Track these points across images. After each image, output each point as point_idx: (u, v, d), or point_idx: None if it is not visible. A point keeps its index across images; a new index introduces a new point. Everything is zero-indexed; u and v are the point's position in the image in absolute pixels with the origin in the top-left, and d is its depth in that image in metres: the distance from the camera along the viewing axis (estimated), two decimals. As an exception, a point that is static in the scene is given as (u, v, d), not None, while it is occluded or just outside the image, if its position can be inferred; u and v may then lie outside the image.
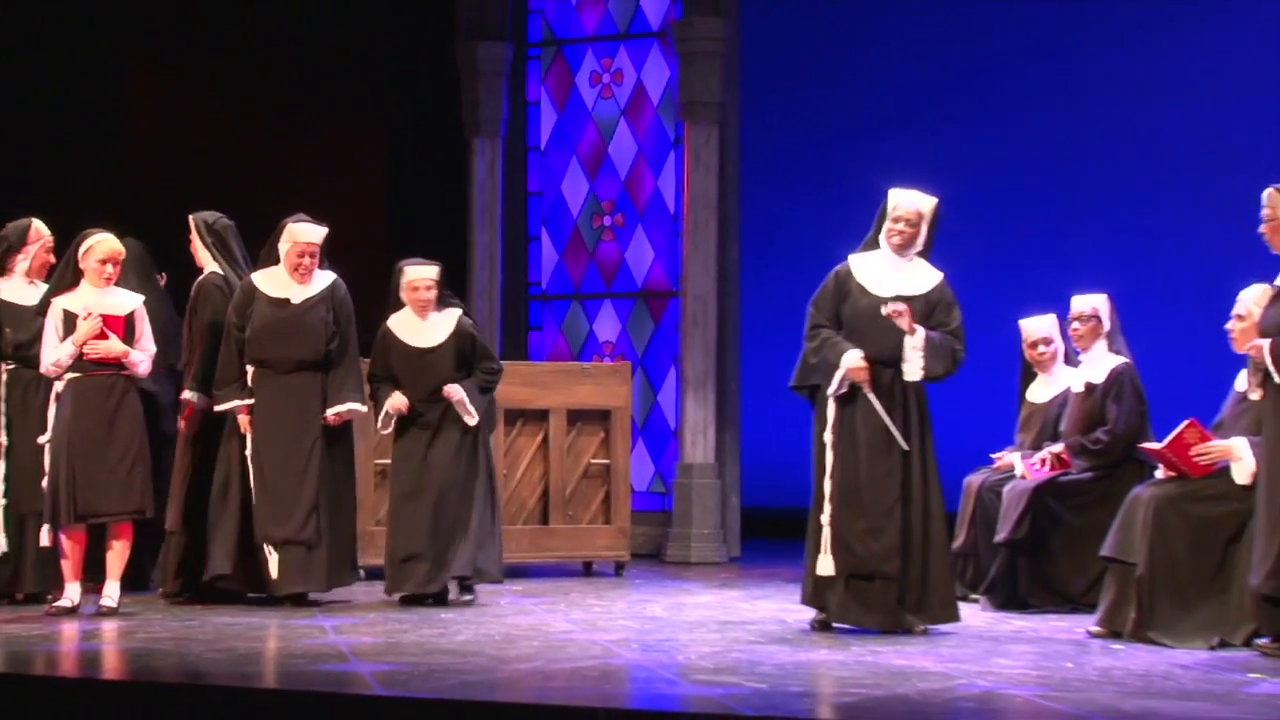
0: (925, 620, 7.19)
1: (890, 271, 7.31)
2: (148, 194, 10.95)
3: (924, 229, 7.35)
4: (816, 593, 7.30)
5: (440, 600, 8.15)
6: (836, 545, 7.19)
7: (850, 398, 7.21)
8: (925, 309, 7.23)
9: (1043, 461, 8.32)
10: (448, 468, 8.20)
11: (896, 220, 7.29)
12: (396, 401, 8.11)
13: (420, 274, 8.20)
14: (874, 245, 7.39)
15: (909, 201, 7.33)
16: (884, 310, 7.11)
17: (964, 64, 11.96)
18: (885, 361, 7.18)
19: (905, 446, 7.18)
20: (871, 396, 7.16)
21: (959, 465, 8.93)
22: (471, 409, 8.13)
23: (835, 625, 7.24)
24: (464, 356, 8.23)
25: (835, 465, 7.22)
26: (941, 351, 7.17)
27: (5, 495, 8.04)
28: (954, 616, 7.26)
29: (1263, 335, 6.56)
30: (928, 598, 7.22)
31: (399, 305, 8.28)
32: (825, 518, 7.23)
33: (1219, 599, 6.83)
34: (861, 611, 7.21)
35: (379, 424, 8.26)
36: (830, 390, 7.20)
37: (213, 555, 8.03)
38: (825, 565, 7.21)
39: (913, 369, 7.15)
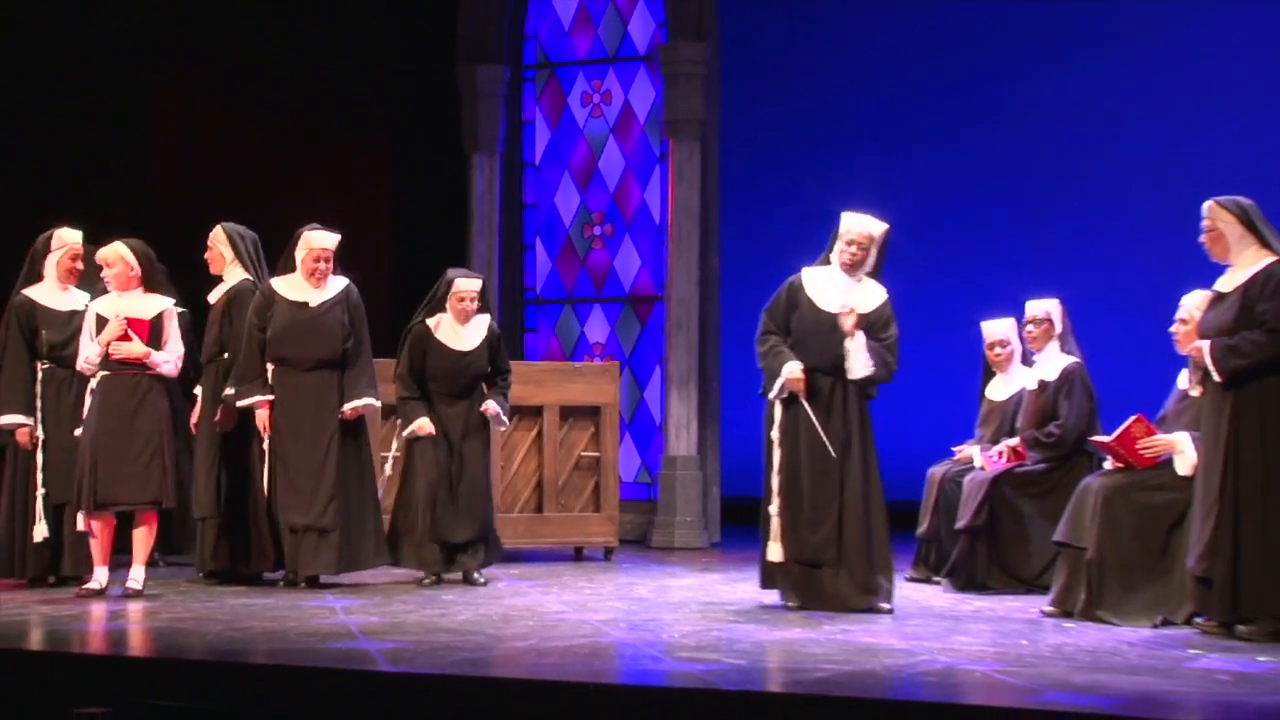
0: (869, 601, 7.19)
1: (839, 288, 7.35)
2: (172, 205, 10.94)
3: (873, 251, 7.38)
4: (769, 577, 7.35)
5: (470, 580, 8.21)
6: (784, 534, 7.23)
7: (793, 400, 7.26)
8: (866, 325, 7.28)
9: (1000, 454, 8.35)
10: (478, 461, 8.35)
11: (849, 243, 7.34)
12: (427, 427, 8.20)
13: (469, 285, 8.35)
14: (828, 261, 7.43)
15: (860, 225, 7.36)
16: (838, 307, 7.17)
17: (929, 85, 11.97)
18: (825, 371, 7.24)
19: (834, 454, 7.20)
20: (807, 405, 7.22)
21: (923, 457, 8.96)
22: (505, 420, 8.49)
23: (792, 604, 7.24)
24: (492, 359, 8.41)
25: (781, 461, 7.27)
26: (880, 357, 7.24)
27: (44, 485, 8.02)
28: (890, 599, 7.23)
29: (1202, 337, 6.57)
30: (872, 581, 7.22)
31: (436, 309, 8.33)
32: (773, 509, 7.28)
33: (1162, 581, 6.85)
34: (809, 594, 7.25)
35: (404, 433, 8.31)
36: (771, 395, 7.27)
37: (257, 550, 8.07)
38: (774, 552, 7.27)
39: (856, 369, 7.20)
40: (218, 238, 8.44)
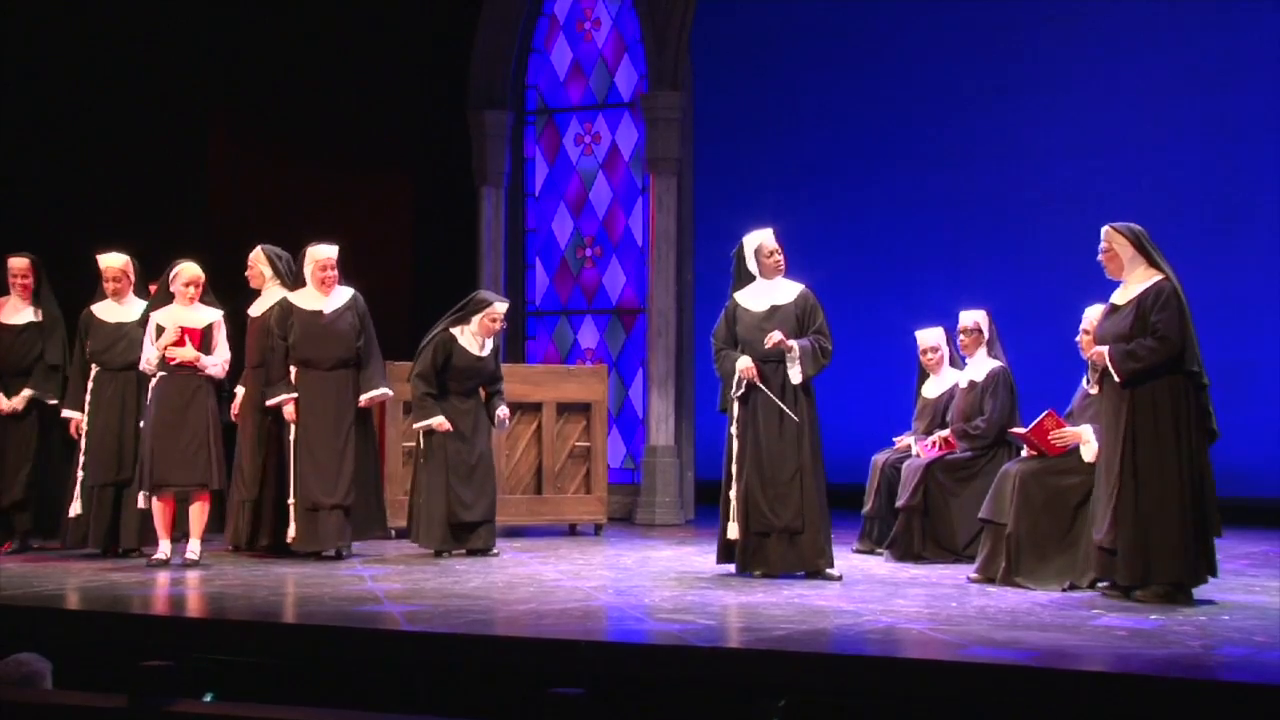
0: (818, 564, 7.19)
1: (764, 293, 7.41)
2: (224, 231, 10.92)
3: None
4: (727, 551, 7.35)
5: (487, 552, 8.22)
6: (744, 512, 7.23)
7: (747, 398, 7.27)
8: (799, 313, 7.33)
9: (934, 444, 8.36)
10: (489, 451, 8.36)
11: (771, 255, 7.39)
12: (445, 424, 8.19)
13: (504, 308, 8.43)
14: (747, 280, 7.45)
15: (772, 240, 7.44)
16: (766, 344, 7.22)
17: (871, 127, 11.99)
18: (770, 359, 7.27)
19: (796, 418, 7.22)
20: (763, 388, 7.24)
21: (867, 445, 8.97)
22: (507, 424, 8.59)
23: (751, 573, 7.24)
24: (496, 363, 8.44)
25: (740, 451, 7.28)
26: (815, 355, 7.27)
27: (83, 469, 8.01)
28: (831, 562, 7.25)
29: (1100, 344, 6.58)
30: (821, 544, 7.23)
31: (462, 321, 8.31)
32: (733, 494, 7.28)
33: (1070, 551, 6.86)
34: (762, 562, 7.25)
35: (416, 425, 8.29)
36: (733, 393, 7.28)
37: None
38: (733, 530, 7.27)
39: (795, 374, 7.25)
40: (258, 258, 8.43)
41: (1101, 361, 6.48)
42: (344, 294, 8.21)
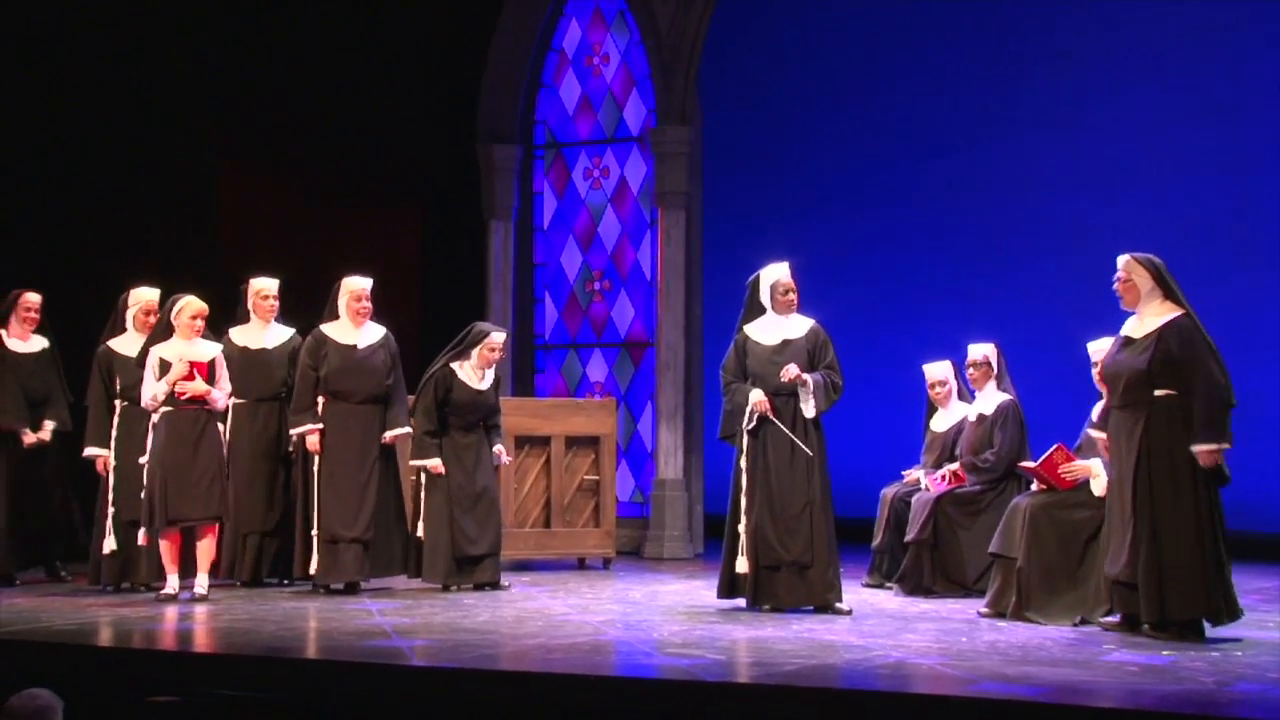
0: (828, 599, 7.17)
1: (775, 327, 7.43)
2: (233, 264, 10.96)
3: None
4: (729, 585, 7.33)
5: (494, 587, 8.19)
6: (753, 546, 7.21)
7: (758, 431, 7.27)
8: (810, 348, 7.36)
9: (943, 477, 8.35)
10: (493, 485, 8.35)
11: (786, 292, 7.41)
12: (439, 467, 8.18)
13: (501, 338, 8.41)
14: (758, 313, 7.47)
15: (788, 276, 7.45)
16: (782, 378, 7.22)
17: (879, 160, 12.03)
18: (783, 393, 7.27)
19: (810, 452, 7.22)
20: (777, 421, 7.24)
21: (876, 479, 8.95)
22: (505, 458, 8.60)
23: (760, 608, 7.22)
24: (496, 396, 8.44)
25: (749, 485, 7.28)
26: (827, 389, 7.29)
27: (113, 504, 8.04)
28: (840, 596, 7.24)
29: (1113, 376, 6.52)
30: (831, 578, 7.22)
31: (461, 355, 8.31)
32: (741, 526, 7.27)
33: (1081, 586, 6.84)
34: (771, 596, 7.23)
35: (413, 463, 8.28)
36: (745, 426, 7.27)
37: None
38: (742, 564, 7.25)
39: (809, 409, 7.27)
40: (278, 293, 8.53)
41: (1214, 462, 6.27)
42: (377, 330, 8.25)
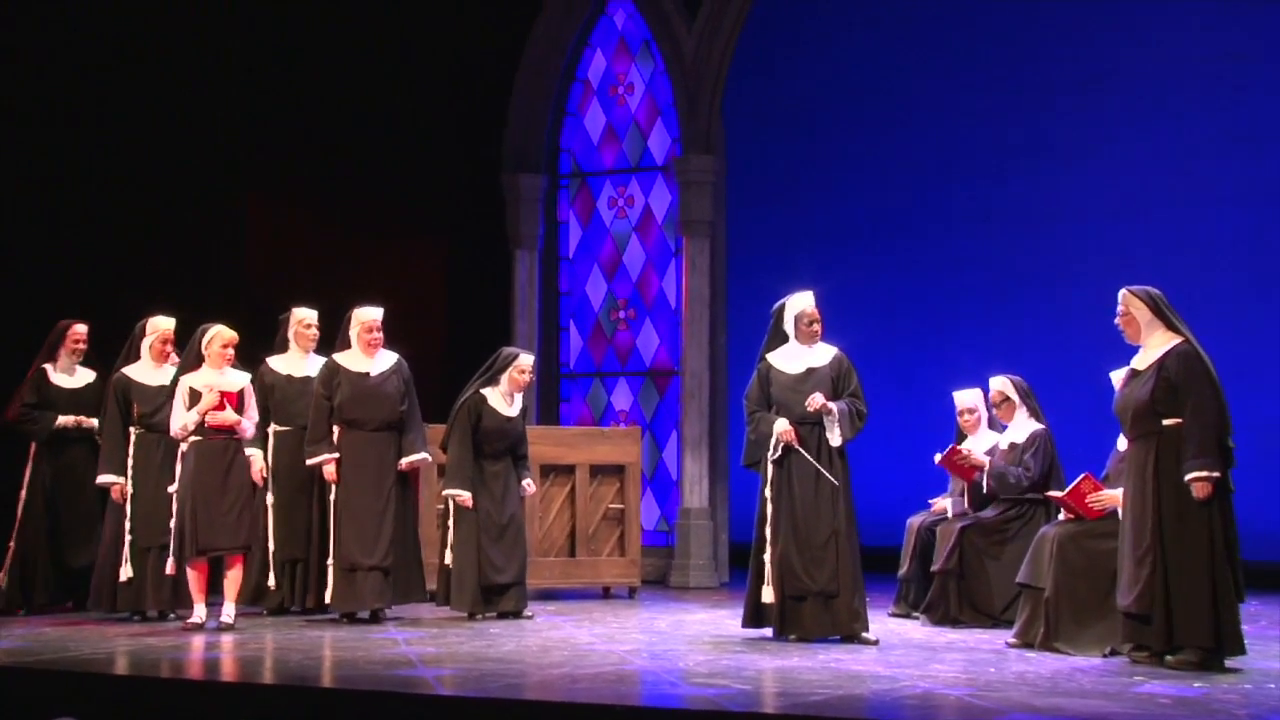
0: (854, 628, 7.14)
1: (799, 355, 7.41)
2: (261, 293, 11.01)
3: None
4: (755, 615, 7.29)
5: (518, 615, 8.17)
6: (778, 575, 7.17)
7: (783, 461, 7.24)
8: (834, 376, 7.34)
9: (950, 451, 8.32)
10: (520, 514, 8.34)
11: (811, 322, 7.39)
12: (467, 500, 8.17)
13: (529, 361, 8.42)
14: (780, 341, 7.45)
15: (813, 305, 7.44)
16: (808, 407, 7.20)
17: (903, 191, 12.04)
18: (807, 422, 7.25)
19: (835, 482, 7.19)
20: (802, 451, 7.22)
21: (903, 508, 8.92)
22: (532, 487, 8.58)
23: (786, 637, 7.19)
24: (523, 424, 8.45)
25: (774, 514, 7.24)
26: (852, 418, 7.28)
27: (131, 532, 8.04)
28: (867, 626, 7.21)
29: (1122, 409, 6.51)
30: (857, 607, 7.18)
31: (490, 381, 8.31)
32: (766, 556, 7.23)
33: (1110, 617, 6.73)
34: (797, 625, 7.19)
35: (445, 492, 8.28)
36: (771, 456, 7.25)
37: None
38: (768, 594, 7.21)
39: (835, 438, 7.25)
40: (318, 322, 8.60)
41: (1207, 492, 6.22)
42: (389, 357, 8.25)
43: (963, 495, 8.42)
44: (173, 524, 7.70)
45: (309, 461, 8.11)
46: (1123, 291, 6.58)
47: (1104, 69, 11.41)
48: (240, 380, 7.86)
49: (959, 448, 8.23)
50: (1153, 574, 6.26)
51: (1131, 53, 11.35)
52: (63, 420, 8.52)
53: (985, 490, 8.25)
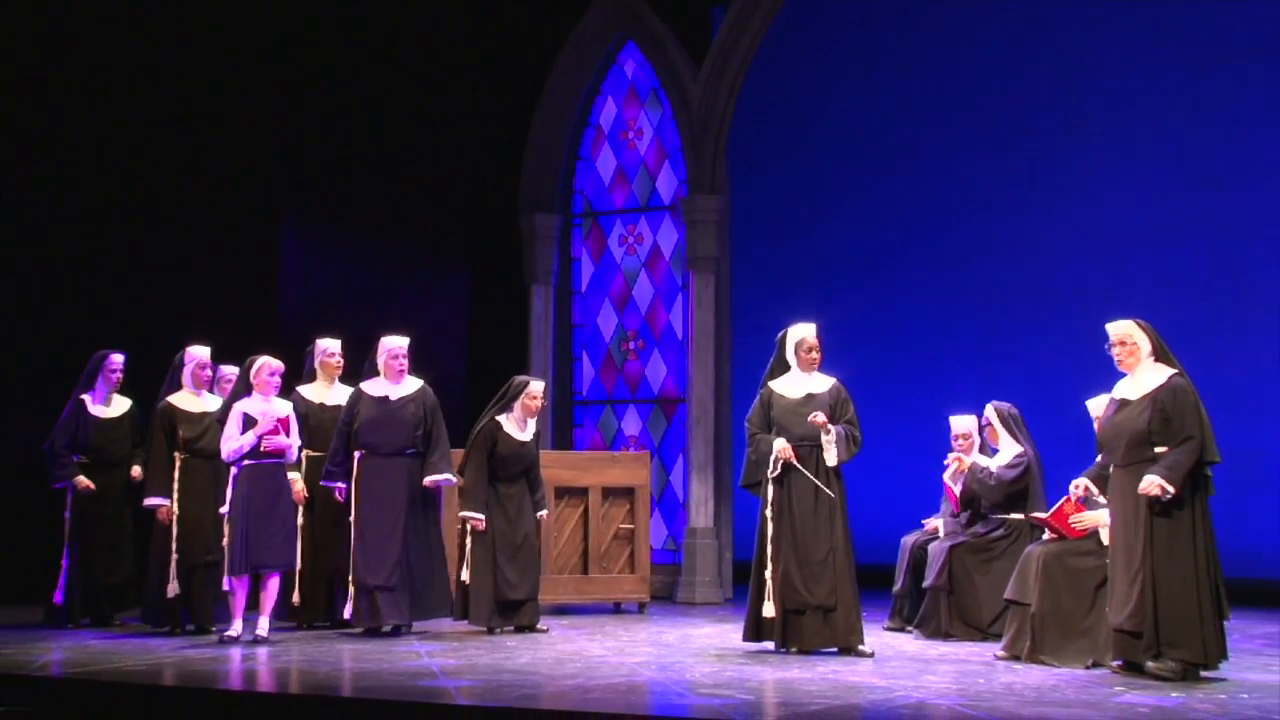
0: (851, 641, 7.16)
1: (800, 382, 7.46)
2: (295, 324, 11.06)
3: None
4: (756, 629, 7.31)
5: (533, 629, 8.20)
6: (779, 590, 7.20)
7: (782, 480, 7.28)
8: (832, 403, 7.38)
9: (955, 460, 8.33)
10: (534, 533, 8.34)
11: (810, 350, 7.44)
12: (480, 523, 8.16)
13: (540, 387, 8.43)
14: (783, 369, 7.51)
15: (814, 335, 7.49)
16: (811, 421, 7.27)
17: (898, 227, 12.09)
18: (805, 443, 7.30)
19: (832, 494, 7.23)
20: (799, 467, 7.26)
21: (897, 527, 8.94)
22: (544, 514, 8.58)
23: (787, 650, 7.22)
24: (537, 449, 8.46)
25: (774, 532, 7.28)
26: (848, 441, 7.33)
27: (177, 551, 8.10)
28: (863, 639, 7.23)
29: (1111, 437, 6.49)
30: (853, 621, 7.21)
31: (505, 409, 8.35)
32: (767, 573, 7.26)
33: (1092, 631, 6.80)
34: (797, 638, 7.22)
35: (461, 514, 8.31)
36: (770, 474, 7.29)
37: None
38: (769, 609, 7.24)
39: (831, 457, 7.29)
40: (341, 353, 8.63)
41: (1155, 494, 6.25)
42: (413, 384, 8.28)
43: (954, 516, 8.44)
44: (225, 543, 7.76)
45: (322, 483, 8.18)
46: (1126, 323, 6.53)
47: (1089, 112, 11.48)
48: (285, 408, 7.93)
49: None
50: (1143, 593, 6.28)
51: (1115, 96, 11.42)
52: (79, 480, 8.46)
53: (962, 491, 8.29)
